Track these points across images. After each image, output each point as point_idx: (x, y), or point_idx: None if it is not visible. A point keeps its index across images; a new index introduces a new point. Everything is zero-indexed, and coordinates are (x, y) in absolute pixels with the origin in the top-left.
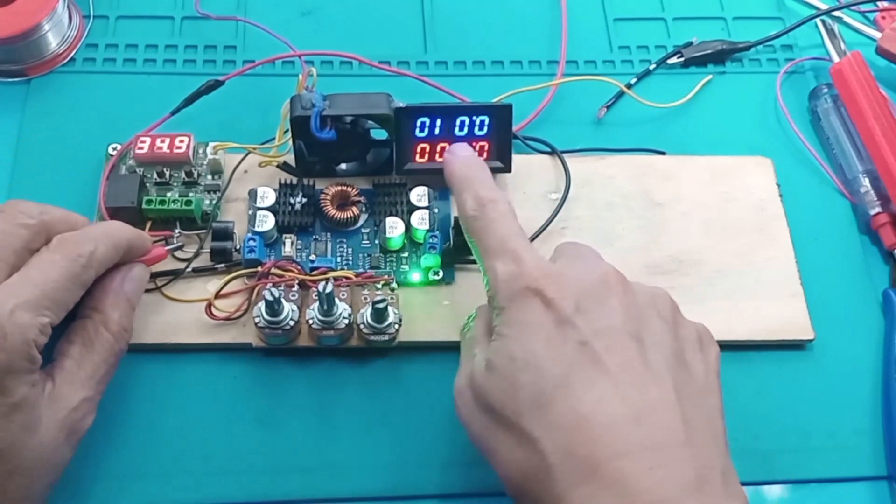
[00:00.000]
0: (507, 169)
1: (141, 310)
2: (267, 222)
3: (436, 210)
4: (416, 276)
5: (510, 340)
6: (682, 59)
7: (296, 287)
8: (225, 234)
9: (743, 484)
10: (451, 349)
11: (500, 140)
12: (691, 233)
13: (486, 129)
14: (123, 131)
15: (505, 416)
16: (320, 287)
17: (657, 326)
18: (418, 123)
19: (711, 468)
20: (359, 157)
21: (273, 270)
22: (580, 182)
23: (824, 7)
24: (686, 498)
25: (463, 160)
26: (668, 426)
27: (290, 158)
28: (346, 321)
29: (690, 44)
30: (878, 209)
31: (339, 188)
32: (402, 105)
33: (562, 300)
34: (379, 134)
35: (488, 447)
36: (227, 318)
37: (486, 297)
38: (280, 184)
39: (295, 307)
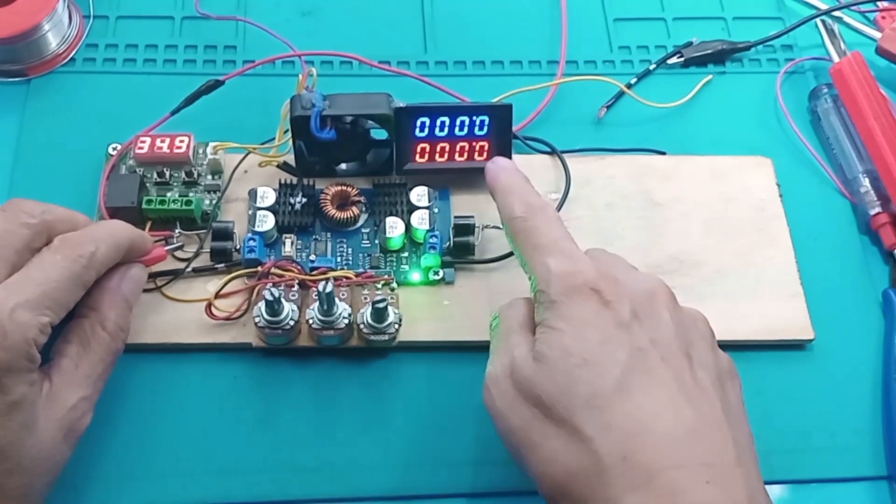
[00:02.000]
0: None
1: (141, 309)
2: (267, 222)
3: (436, 210)
4: (416, 276)
5: (565, 334)
6: (682, 59)
7: (296, 287)
8: (225, 234)
9: None
10: (451, 349)
11: (500, 140)
12: (691, 233)
13: (486, 129)
14: (123, 131)
15: (556, 412)
16: (320, 287)
17: (702, 348)
18: (418, 123)
19: (759, 490)
20: (359, 157)
21: (273, 270)
22: (580, 182)
23: (824, 7)
24: None
25: (509, 169)
26: (721, 445)
27: (290, 158)
28: (346, 321)
29: (690, 44)
30: (878, 209)
31: (339, 188)
32: (402, 105)
33: (620, 303)
34: (379, 134)
35: (529, 441)
36: (227, 318)
37: (533, 293)
38: (280, 184)
39: (295, 307)
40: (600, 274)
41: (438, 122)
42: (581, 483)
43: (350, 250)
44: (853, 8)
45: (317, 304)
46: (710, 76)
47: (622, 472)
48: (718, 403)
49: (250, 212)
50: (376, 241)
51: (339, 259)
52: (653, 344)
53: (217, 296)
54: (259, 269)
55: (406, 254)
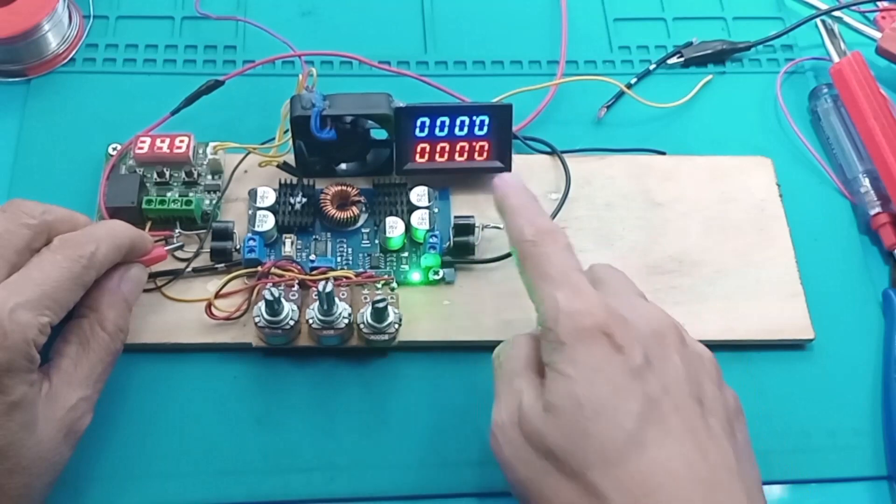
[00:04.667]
0: (507, 169)
1: (141, 309)
2: (267, 222)
3: (436, 210)
4: (416, 276)
5: (576, 383)
6: (682, 59)
7: (296, 287)
8: (225, 234)
9: None
10: (451, 349)
11: (500, 140)
12: (691, 233)
13: (486, 129)
14: (123, 131)
15: (568, 465)
16: (320, 287)
17: (711, 390)
18: (418, 123)
19: None
20: (359, 157)
21: (273, 270)
22: (580, 182)
23: (824, 7)
24: None
25: (517, 188)
26: (735, 496)
27: (290, 158)
28: (346, 321)
29: (690, 44)
30: (878, 209)
31: (339, 188)
32: (402, 105)
33: (632, 348)
34: (379, 134)
35: (540, 494)
36: (227, 318)
37: (539, 326)
38: (280, 184)
39: (295, 307)
40: (610, 313)
41: (438, 122)
42: None
43: (350, 250)
44: (853, 8)
45: (317, 304)
46: (710, 76)
47: None
48: (730, 450)
49: (250, 212)
50: (376, 241)
51: (339, 259)
52: (666, 392)
53: (217, 296)
54: (259, 269)
55: (406, 254)
